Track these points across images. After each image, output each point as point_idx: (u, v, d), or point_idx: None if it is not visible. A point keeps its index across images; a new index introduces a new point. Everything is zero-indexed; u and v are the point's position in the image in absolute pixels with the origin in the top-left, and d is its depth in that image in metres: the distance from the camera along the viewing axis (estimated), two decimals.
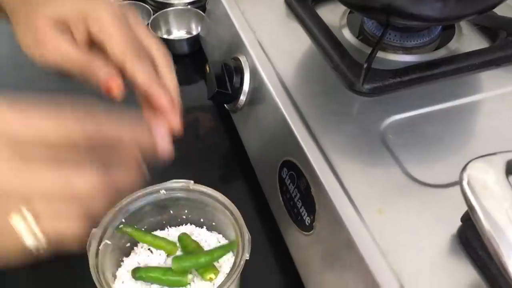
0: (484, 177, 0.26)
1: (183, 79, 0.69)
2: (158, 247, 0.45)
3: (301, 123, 0.46)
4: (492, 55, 0.51)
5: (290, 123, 0.46)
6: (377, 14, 0.50)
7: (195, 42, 0.70)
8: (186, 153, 0.59)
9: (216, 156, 0.59)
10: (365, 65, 0.47)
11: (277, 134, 0.48)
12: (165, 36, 0.73)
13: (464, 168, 0.28)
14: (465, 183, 0.26)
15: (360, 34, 0.57)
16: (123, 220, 0.44)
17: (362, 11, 0.50)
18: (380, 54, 0.53)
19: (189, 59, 0.71)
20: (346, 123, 0.46)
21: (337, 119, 0.46)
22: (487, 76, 0.50)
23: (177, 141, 0.60)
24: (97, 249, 0.41)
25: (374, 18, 0.54)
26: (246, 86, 0.54)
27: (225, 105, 0.58)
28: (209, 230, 0.47)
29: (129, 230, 0.44)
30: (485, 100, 0.48)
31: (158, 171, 0.56)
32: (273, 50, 0.54)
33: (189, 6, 0.74)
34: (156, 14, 0.72)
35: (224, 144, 0.60)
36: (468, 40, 0.55)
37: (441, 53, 0.53)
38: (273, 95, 0.49)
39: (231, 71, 0.54)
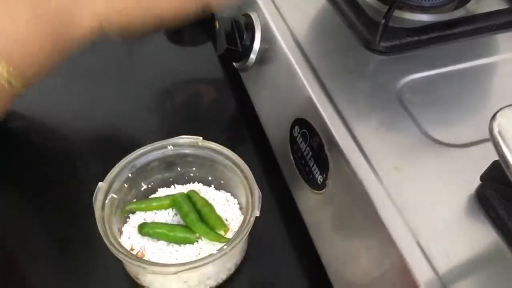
0: None
1: (190, 39, 0.67)
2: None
3: (315, 80, 0.44)
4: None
5: (304, 80, 0.44)
6: None
7: None
8: (193, 114, 0.58)
9: (224, 116, 0.57)
10: (382, 21, 0.45)
11: (289, 92, 0.47)
12: None
13: (493, 117, 0.26)
14: (495, 132, 0.25)
15: None
16: (130, 175, 0.43)
17: None
18: (397, 13, 0.51)
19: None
20: (361, 81, 0.44)
21: (352, 77, 0.45)
22: (507, 37, 0.48)
23: (185, 101, 0.59)
24: (103, 203, 0.40)
25: None
26: (256, 44, 0.52)
27: (234, 63, 0.56)
28: (217, 189, 0.46)
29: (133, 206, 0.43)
30: (504, 61, 0.46)
31: (165, 128, 0.55)
32: (285, 7, 0.52)
33: None
34: None
35: (232, 104, 0.58)
36: (488, 1, 0.53)
37: (460, 13, 0.51)
38: (286, 53, 0.47)
39: (241, 28, 0.52)
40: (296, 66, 0.45)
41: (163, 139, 0.45)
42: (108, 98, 0.58)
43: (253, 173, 0.43)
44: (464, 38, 0.48)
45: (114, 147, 0.52)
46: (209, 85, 0.61)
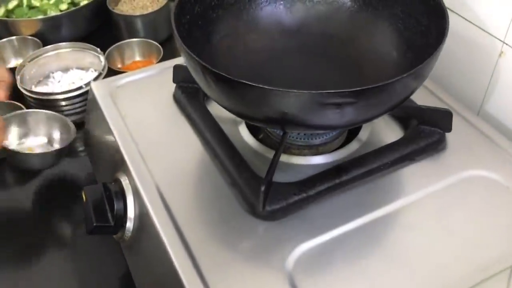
0: None
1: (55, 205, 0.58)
2: None
3: (191, 266, 0.37)
4: (405, 149, 0.45)
5: (178, 268, 0.37)
6: (272, 125, 0.44)
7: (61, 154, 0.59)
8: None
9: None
10: (262, 188, 0.40)
11: (165, 277, 0.40)
12: (17, 148, 0.59)
13: None
14: None
15: (261, 131, 0.50)
16: None
17: (256, 122, 0.43)
18: (284, 158, 0.46)
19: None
20: (247, 262, 0.38)
21: (235, 257, 0.38)
22: (403, 174, 0.45)
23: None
24: None
25: (269, 127, 0.47)
26: (131, 212, 0.45)
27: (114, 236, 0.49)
28: None
29: None
30: (402, 209, 0.42)
31: None
32: (158, 166, 0.45)
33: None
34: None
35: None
36: (379, 127, 0.49)
37: (352, 148, 0.47)
38: (157, 230, 0.40)
39: (112, 197, 0.45)
40: (168, 249, 0.39)
41: None
42: None
43: None
44: (355, 184, 0.43)
45: None
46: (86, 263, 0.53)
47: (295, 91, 0.35)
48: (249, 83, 0.35)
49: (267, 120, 0.40)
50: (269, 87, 0.35)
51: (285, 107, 0.37)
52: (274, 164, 0.41)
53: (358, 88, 0.35)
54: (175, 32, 0.41)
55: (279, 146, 0.42)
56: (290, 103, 0.36)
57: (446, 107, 0.50)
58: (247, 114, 0.41)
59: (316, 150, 0.47)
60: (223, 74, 0.36)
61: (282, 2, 0.53)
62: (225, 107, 0.42)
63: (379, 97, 0.37)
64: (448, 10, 0.52)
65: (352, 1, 0.52)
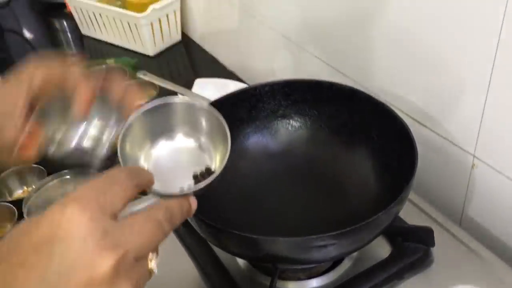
0: None
1: None
2: None
3: None
4: (393, 268, 0.47)
5: None
6: (262, 262, 0.46)
7: None
8: None
9: None
10: None
11: None
12: None
13: None
14: None
15: None
16: None
17: (247, 260, 0.46)
18: (280, 284, 0.47)
19: None
20: None
21: None
22: None
23: None
24: None
25: (261, 265, 0.49)
26: None
27: None
28: None
29: None
30: None
31: None
32: None
33: None
34: None
35: None
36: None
37: (344, 266, 0.49)
38: None
39: None
40: None
41: None
42: None
43: None
44: None
45: None
46: None
47: (280, 238, 0.38)
48: (237, 232, 0.39)
49: (255, 260, 0.43)
50: (254, 236, 0.38)
51: (273, 251, 0.40)
52: None
53: (337, 232, 0.38)
54: None
55: (272, 283, 0.44)
56: (276, 248, 0.39)
57: (427, 217, 0.53)
58: (234, 253, 0.44)
59: (309, 272, 0.49)
60: (211, 223, 0.39)
61: (266, 130, 0.57)
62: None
63: (361, 233, 0.40)
64: (421, 126, 0.57)
65: (330, 124, 0.56)
